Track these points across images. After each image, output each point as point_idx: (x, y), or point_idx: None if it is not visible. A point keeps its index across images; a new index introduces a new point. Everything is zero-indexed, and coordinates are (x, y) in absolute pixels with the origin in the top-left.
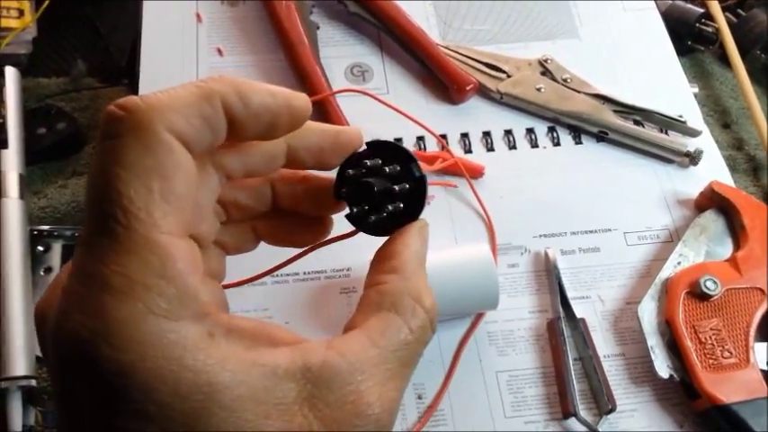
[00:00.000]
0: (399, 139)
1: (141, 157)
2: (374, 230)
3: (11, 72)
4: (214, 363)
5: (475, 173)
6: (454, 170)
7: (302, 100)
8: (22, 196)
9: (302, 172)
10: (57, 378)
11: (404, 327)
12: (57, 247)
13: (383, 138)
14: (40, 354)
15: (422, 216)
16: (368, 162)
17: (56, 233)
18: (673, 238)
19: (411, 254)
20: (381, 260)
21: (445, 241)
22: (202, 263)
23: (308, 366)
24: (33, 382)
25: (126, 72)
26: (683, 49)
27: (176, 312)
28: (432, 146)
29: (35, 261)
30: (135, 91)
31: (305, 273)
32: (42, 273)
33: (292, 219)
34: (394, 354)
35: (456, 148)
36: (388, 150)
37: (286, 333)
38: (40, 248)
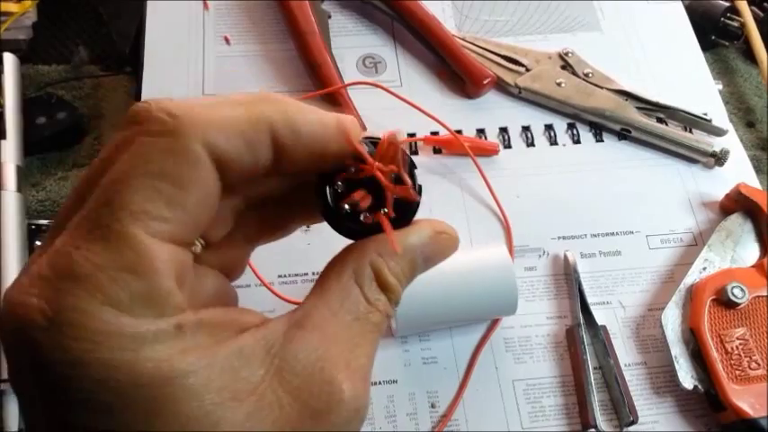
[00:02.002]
0: (413, 134)
1: (163, 160)
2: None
3: (10, 59)
4: (177, 352)
5: (488, 151)
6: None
7: (354, 123)
8: (19, 189)
9: None
10: (11, 371)
11: (361, 297)
12: None
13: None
14: None
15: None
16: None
17: None
18: (697, 242)
19: (404, 238)
20: (354, 242)
21: (460, 242)
22: (207, 261)
23: (271, 343)
24: None
25: (129, 60)
26: (706, 44)
27: (137, 310)
28: None
29: None
30: (138, 79)
31: (313, 273)
32: None
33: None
34: (355, 322)
35: None
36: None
37: (255, 317)
38: (39, 243)
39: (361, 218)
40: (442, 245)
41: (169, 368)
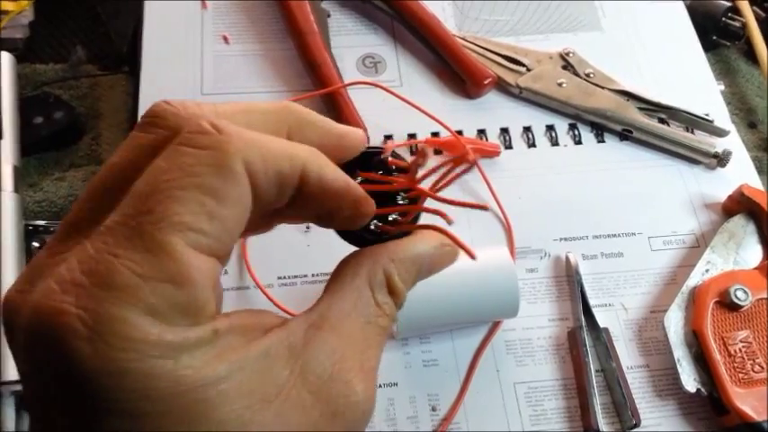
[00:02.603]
0: (413, 135)
1: (211, 175)
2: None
3: (6, 58)
4: (212, 357)
5: (490, 153)
6: (466, 158)
7: (369, 203)
8: (16, 189)
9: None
10: (30, 378)
11: (372, 301)
12: None
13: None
14: None
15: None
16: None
17: (52, 229)
18: (699, 244)
19: (410, 246)
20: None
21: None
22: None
23: (293, 344)
24: None
25: (127, 59)
26: (707, 44)
27: (175, 319)
28: None
29: (30, 258)
30: (136, 79)
31: (313, 275)
32: None
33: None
34: (367, 325)
35: None
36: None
37: (275, 318)
38: (36, 244)
39: (372, 226)
40: (445, 256)
41: (205, 375)
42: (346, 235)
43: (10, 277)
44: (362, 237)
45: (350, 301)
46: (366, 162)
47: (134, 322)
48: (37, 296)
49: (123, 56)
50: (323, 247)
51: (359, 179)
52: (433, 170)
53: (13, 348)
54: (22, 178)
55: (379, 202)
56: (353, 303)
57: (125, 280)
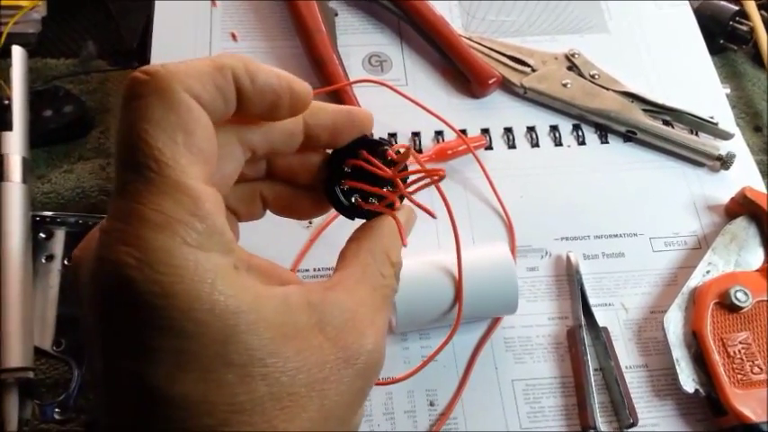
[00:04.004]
0: (417, 133)
1: (165, 114)
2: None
3: (18, 52)
4: (239, 290)
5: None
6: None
7: (304, 86)
8: (24, 180)
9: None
10: (94, 310)
11: (377, 271)
12: (59, 235)
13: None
14: (38, 345)
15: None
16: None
17: (59, 220)
18: (701, 245)
19: (386, 226)
20: (363, 228)
21: (462, 241)
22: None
23: (311, 301)
24: (31, 374)
25: (137, 55)
26: (714, 47)
27: (207, 245)
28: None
29: (36, 248)
30: None
31: (315, 269)
32: (44, 260)
33: (294, 188)
34: (375, 291)
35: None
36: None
37: (293, 276)
38: (42, 235)
39: (353, 200)
40: (411, 222)
41: (236, 303)
42: (335, 203)
43: (16, 265)
44: (346, 207)
45: (358, 271)
46: (371, 149)
47: (174, 251)
48: (91, 245)
49: (133, 52)
50: (326, 244)
51: (346, 169)
52: (414, 172)
53: (81, 296)
54: (31, 170)
55: (369, 184)
56: (361, 274)
57: (158, 218)
